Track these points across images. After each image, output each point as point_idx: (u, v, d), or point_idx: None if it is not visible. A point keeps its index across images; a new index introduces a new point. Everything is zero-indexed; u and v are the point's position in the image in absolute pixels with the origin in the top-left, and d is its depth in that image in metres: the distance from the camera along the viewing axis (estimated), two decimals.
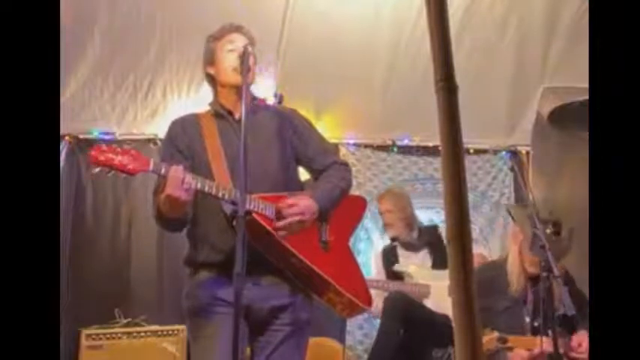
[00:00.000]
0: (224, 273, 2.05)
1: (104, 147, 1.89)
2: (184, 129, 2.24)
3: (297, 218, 2.08)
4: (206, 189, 1.97)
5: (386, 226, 4.01)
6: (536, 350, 2.74)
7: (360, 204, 2.47)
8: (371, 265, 4.51)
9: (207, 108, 2.30)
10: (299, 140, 2.29)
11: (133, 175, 1.94)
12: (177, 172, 1.92)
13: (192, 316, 2.15)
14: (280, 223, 2.06)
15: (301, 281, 2.15)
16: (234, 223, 2.01)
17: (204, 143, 2.17)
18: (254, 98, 2.29)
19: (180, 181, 1.91)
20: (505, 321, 2.91)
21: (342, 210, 2.27)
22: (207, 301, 2.09)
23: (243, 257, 1.77)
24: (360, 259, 4.42)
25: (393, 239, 4.02)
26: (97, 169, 1.88)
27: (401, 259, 3.91)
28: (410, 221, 3.96)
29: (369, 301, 2.27)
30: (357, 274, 2.32)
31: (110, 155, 1.88)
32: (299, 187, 2.28)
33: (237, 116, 2.20)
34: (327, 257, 2.19)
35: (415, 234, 3.94)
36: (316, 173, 2.31)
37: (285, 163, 2.23)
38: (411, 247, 3.92)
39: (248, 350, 2.19)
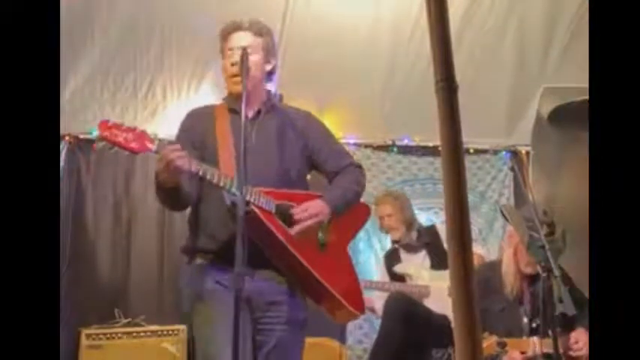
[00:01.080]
0: (220, 261, 2.05)
1: (110, 123, 1.89)
2: (199, 121, 2.24)
3: (311, 221, 2.09)
4: (208, 177, 1.97)
5: (388, 230, 4.01)
6: (530, 352, 2.73)
7: (364, 211, 2.45)
8: (371, 265, 4.53)
9: (222, 101, 2.31)
10: (314, 143, 2.29)
11: (137, 153, 1.93)
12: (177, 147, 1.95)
13: (193, 301, 2.13)
14: (296, 228, 2.07)
15: (296, 280, 2.15)
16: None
17: (215, 136, 2.17)
18: (269, 97, 2.30)
19: (178, 150, 1.93)
20: (502, 322, 2.91)
21: (345, 214, 2.26)
22: (207, 284, 2.08)
23: (243, 256, 1.77)
24: (359, 259, 4.47)
25: (395, 242, 4.02)
26: (102, 144, 1.89)
27: (403, 261, 3.92)
28: (410, 222, 3.96)
29: (361, 307, 2.25)
30: (353, 280, 2.31)
31: (115, 131, 1.87)
32: (305, 188, 2.28)
33: (250, 113, 2.19)
34: (323, 258, 2.18)
35: (415, 235, 3.94)
36: (331, 175, 2.31)
37: (294, 163, 2.23)
38: (411, 248, 3.92)
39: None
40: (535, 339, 2.75)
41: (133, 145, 1.89)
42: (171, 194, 2.06)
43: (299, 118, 2.32)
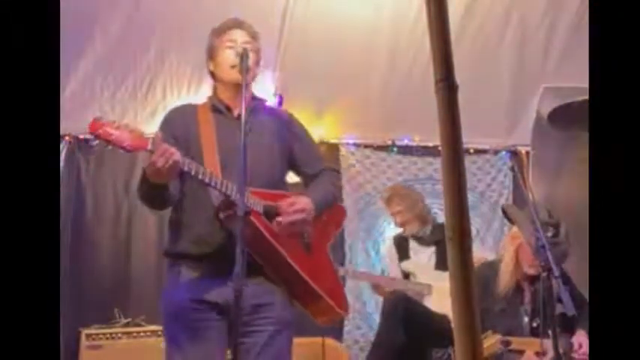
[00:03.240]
0: (204, 268, 2.06)
1: (103, 121, 1.86)
2: (182, 118, 2.23)
3: (298, 216, 2.09)
4: (200, 176, 1.96)
5: (400, 226, 4.00)
6: (549, 355, 2.72)
7: (340, 212, 2.46)
8: (370, 262, 4.53)
9: (205, 100, 2.31)
10: (295, 145, 2.30)
11: (130, 152, 1.91)
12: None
13: (167, 317, 2.12)
14: (282, 220, 2.06)
15: (283, 281, 2.14)
16: (221, 215, 2.01)
17: (199, 134, 2.16)
18: (254, 98, 2.29)
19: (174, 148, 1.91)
20: (502, 322, 2.91)
21: (323, 216, 2.26)
22: (183, 301, 2.07)
23: (243, 258, 1.77)
24: (357, 257, 4.48)
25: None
26: (96, 142, 1.86)
27: (411, 251, 3.91)
28: (423, 216, 3.93)
29: (345, 307, 2.27)
30: (336, 279, 2.33)
31: (108, 129, 1.84)
32: (285, 189, 2.28)
33: (235, 112, 2.20)
34: (309, 260, 2.18)
35: (429, 229, 3.92)
36: (308, 177, 2.32)
37: (276, 164, 2.23)
38: (422, 241, 3.90)
39: (228, 353, 2.13)
40: (546, 340, 2.74)
41: (127, 144, 1.86)
42: (157, 193, 2.03)
43: (283, 119, 2.33)
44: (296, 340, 2.25)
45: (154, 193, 2.03)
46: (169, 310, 2.12)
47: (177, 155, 1.89)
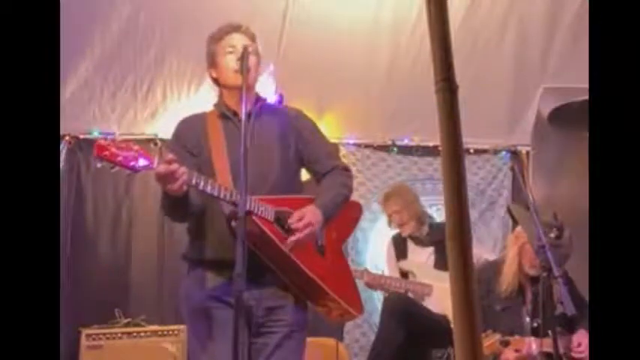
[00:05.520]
0: (219, 272, 2.08)
1: (108, 142, 1.87)
2: (191, 128, 2.24)
3: (307, 231, 2.08)
4: (208, 189, 1.96)
5: (398, 227, 3.99)
6: (524, 351, 2.73)
7: (356, 209, 2.47)
8: (369, 256, 4.52)
9: (212, 108, 2.30)
10: (304, 142, 2.28)
11: (137, 172, 1.91)
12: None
13: (190, 316, 2.16)
14: (293, 238, 2.06)
15: (296, 286, 2.15)
16: (233, 223, 2.01)
17: (208, 143, 2.17)
18: (259, 99, 2.28)
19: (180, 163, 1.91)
20: (503, 321, 2.91)
21: (338, 215, 2.26)
22: (205, 301, 2.10)
23: (243, 258, 1.77)
24: (359, 258, 4.48)
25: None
26: (100, 164, 1.86)
27: (409, 251, 3.90)
28: (419, 216, 3.91)
29: (360, 308, 2.28)
30: (350, 280, 2.34)
31: (114, 150, 1.85)
32: (300, 189, 2.28)
33: (242, 116, 2.20)
34: (323, 262, 2.19)
35: (425, 229, 3.91)
36: (319, 175, 2.31)
37: (288, 165, 2.22)
38: (420, 242, 3.89)
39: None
40: (532, 338, 2.75)
41: (134, 164, 1.86)
42: (178, 207, 2.06)
43: (290, 117, 2.32)
44: (308, 340, 2.28)
45: (175, 207, 2.07)
46: (190, 310, 2.16)
47: (183, 173, 1.90)
